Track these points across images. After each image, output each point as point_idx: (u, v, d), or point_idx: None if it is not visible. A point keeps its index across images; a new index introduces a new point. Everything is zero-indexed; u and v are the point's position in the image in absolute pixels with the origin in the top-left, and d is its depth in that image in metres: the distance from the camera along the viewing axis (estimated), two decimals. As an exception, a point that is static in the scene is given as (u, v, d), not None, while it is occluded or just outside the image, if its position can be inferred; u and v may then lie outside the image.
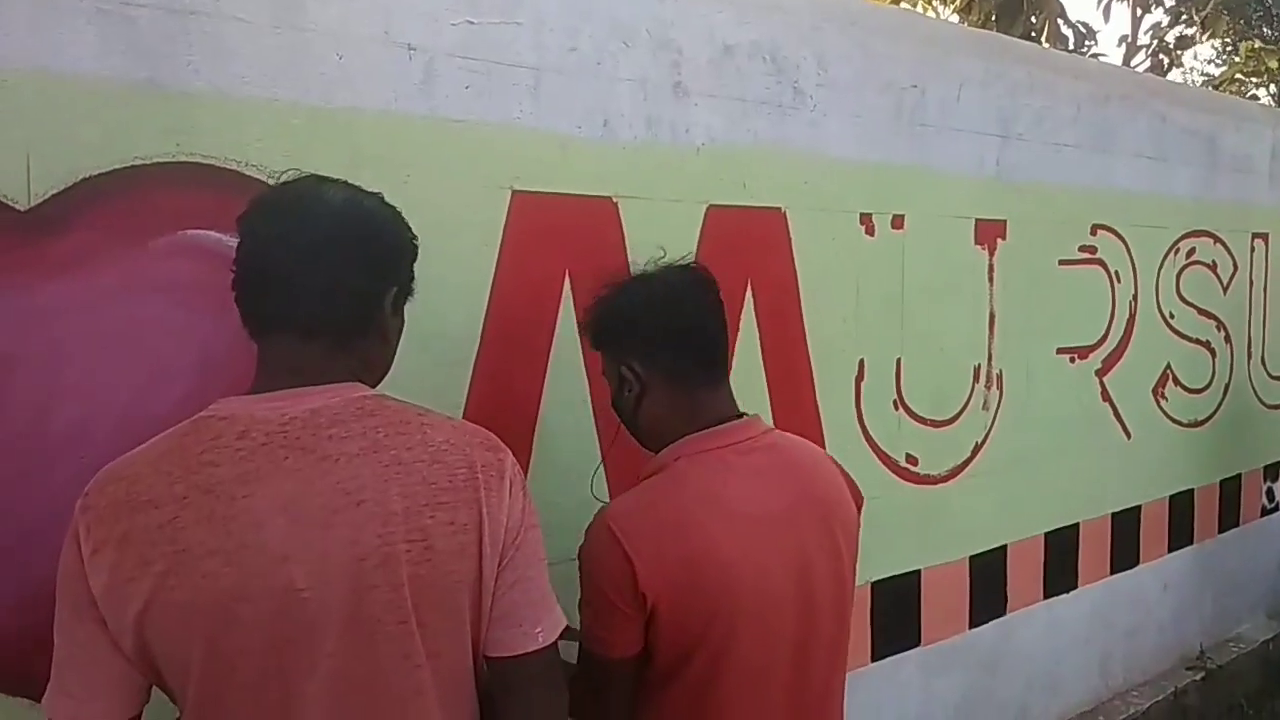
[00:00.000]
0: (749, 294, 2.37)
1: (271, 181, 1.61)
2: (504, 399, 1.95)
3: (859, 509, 1.69)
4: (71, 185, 1.48)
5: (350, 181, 1.30)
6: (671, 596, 1.46)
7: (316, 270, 1.20)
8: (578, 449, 2.06)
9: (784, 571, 1.52)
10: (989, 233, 3.00)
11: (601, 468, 2.05)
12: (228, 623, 1.11)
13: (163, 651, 1.13)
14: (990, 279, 3.02)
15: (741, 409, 1.65)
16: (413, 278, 1.34)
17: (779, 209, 2.42)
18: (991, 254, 3.00)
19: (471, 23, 1.87)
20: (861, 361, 2.64)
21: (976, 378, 3.00)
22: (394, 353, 1.35)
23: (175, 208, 1.58)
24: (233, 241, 1.58)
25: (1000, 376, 3.08)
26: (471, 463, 1.22)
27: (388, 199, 1.31)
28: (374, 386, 1.27)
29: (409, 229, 1.33)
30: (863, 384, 2.64)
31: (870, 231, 2.64)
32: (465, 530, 1.19)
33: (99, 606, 1.12)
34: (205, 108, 1.59)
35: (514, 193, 1.94)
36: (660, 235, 2.19)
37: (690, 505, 1.50)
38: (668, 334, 1.60)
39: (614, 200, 2.11)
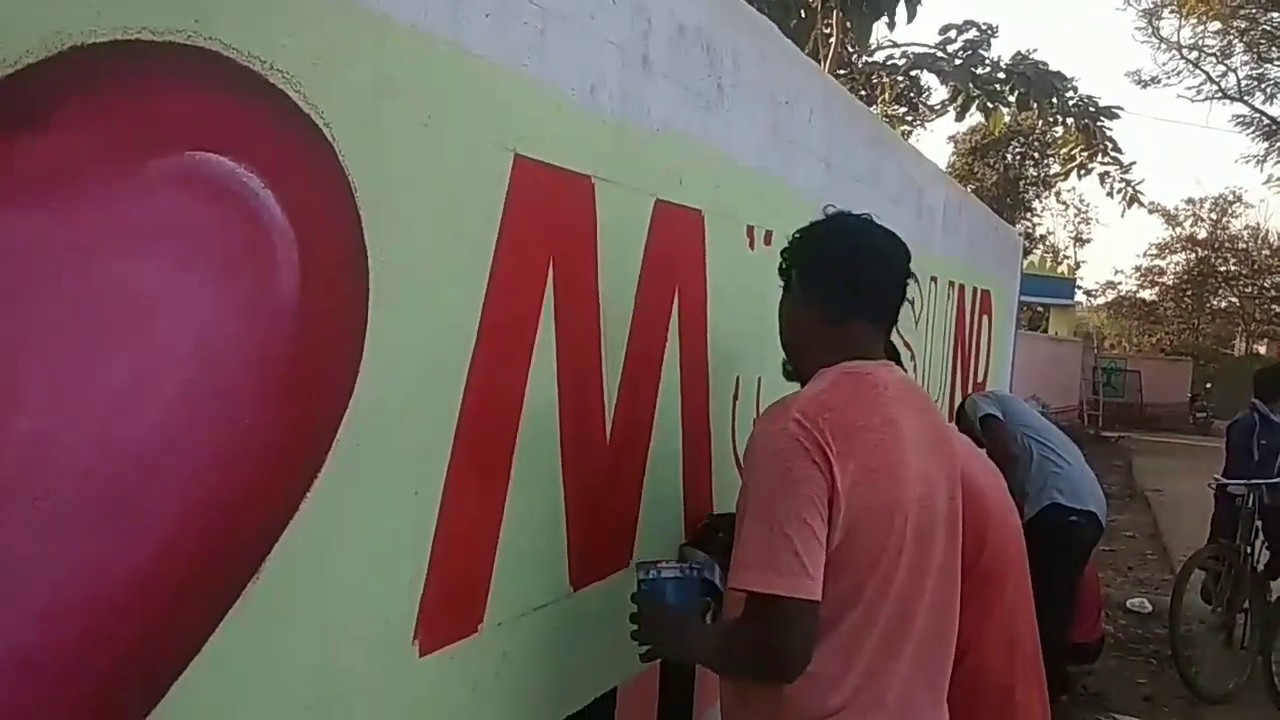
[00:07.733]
0: (675, 305, 2.16)
1: (293, 96, 1.17)
2: (494, 391, 1.58)
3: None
4: (55, 54, 0.93)
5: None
6: None
7: (887, 278, 1.64)
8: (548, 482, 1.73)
9: None
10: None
11: None
12: (898, 519, 1.50)
13: (857, 541, 1.46)
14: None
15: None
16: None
17: (700, 211, 2.23)
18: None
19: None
20: (737, 379, 2.52)
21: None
22: None
23: (185, 111, 1.06)
24: (249, 177, 1.12)
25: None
26: None
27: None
28: None
29: None
30: (737, 403, 2.53)
31: (752, 245, 2.54)
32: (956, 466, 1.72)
33: (830, 504, 1.43)
34: (232, -27, 1.09)
35: (516, 156, 1.58)
36: (622, 225, 1.92)
37: None
38: None
39: (592, 180, 1.80)
